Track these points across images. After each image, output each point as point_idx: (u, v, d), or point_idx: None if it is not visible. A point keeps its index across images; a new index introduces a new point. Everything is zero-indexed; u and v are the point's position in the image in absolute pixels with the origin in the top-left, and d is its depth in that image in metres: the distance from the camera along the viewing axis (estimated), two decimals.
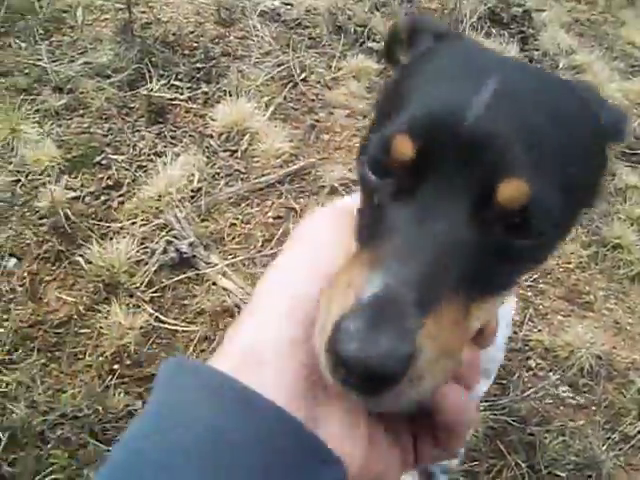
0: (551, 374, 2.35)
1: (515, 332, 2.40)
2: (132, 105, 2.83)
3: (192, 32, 3.18)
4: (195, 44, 3.11)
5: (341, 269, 0.56)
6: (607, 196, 3.08)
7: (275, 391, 0.48)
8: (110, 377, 2.03)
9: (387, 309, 0.50)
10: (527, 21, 3.92)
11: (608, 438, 2.26)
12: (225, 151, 2.66)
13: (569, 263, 2.73)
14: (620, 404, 2.36)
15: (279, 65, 3.08)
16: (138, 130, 2.72)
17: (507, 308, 1.13)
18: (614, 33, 4.33)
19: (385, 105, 0.71)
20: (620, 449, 2.24)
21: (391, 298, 0.51)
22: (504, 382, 2.28)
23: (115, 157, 2.61)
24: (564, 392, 2.33)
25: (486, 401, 2.20)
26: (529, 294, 2.56)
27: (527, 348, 2.39)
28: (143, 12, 3.30)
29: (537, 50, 3.81)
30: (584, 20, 4.39)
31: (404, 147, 0.59)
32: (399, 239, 0.56)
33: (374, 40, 3.34)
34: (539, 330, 2.46)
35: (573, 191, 0.62)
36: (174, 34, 3.16)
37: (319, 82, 3.07)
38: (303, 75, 3.07)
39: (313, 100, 2.99)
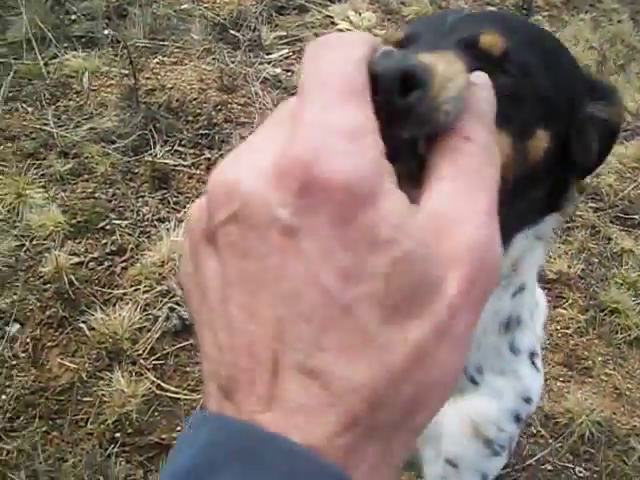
0: (552, 441, 2.35)
1: None
2: (136, 171, 2.89)
3: (195, 99, 3.25)
4: (198, 110, 3.18)
5: None
6: (603, 261, 3.12)
7: None
8: (112, 446, 2.03)
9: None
10: None
11: None
12: None
13: (567, 328, 2.75)
14: (622, 472, 2.36)
15: None
16: (142, 196, 2.77)
17: (534, 382, 1.11)
18: None
19: None
20: None
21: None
22: None
23: (119, 222, 2.65)
24: (566, 461, 2.33)
25: None
26: None
27: None
28: (148, 78, 3.38)
29: None
30: None
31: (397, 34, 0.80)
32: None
33: None
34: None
35: (550, 71, 0.79)
36: (178, 100, 3.23)
37: None
38: None
39: None
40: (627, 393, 2.63)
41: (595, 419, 2.43)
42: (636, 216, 3.39)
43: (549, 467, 2.29)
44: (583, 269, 3.01)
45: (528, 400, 1.09)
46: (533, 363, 1.08)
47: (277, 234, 0.38)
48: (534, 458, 2.28)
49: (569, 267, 2.98)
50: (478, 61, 0.69)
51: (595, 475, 2.32)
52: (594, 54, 4.84)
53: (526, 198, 0.79)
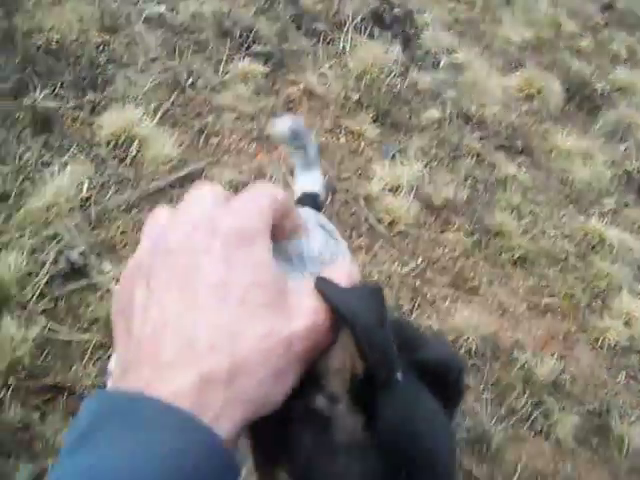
0: None
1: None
2: (17, 115, 2.78)
3: (76, 40, 3.14)
4: (80, 52, 3.08)
5: None
6: (488, 187, 3.25)
7: None
8: (4, 391, 2.00)
9: None
10: (409, 22, 4.06)
11: (496, 413, 2.41)
12: (114, 158, 2.66)
13: (454, 251, 2.87)
14: (506, 381, 2.52)
15: (166, 71, 3.09)
16: (24, 141, 2.68)
17: None
18: (492, 31, 4.55)
19: None
20: (508, 422, 2.39)
21: None
22: None
23: (0, 169, 2.56)
24: None
25: None
26: (417, 283, 2.68)
27: None
28: (24, 20, 3.24)
29: (419, 49, 3.96)
30: (464, 20, 4.58)
31: None
32: None
33: (260, 43, 3.40)
34: (428, 317, 2.59)
35: None
36: (57, 42, 3.11)
37: (206, 87, 3.10)
38: (190, 80, 3.09)
39: (201, 105, 3.02)
40: (511, 309, 2.79)
41: (481, 334, 2.57)
42: (518, 142, 3.54)
43: None
44: (469, 195, 3.13)
45: None
46: None
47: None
48: None
49: (455, 194, 3.09)
50: None
51: (482, 386, 2.47)
52: None
53: None
